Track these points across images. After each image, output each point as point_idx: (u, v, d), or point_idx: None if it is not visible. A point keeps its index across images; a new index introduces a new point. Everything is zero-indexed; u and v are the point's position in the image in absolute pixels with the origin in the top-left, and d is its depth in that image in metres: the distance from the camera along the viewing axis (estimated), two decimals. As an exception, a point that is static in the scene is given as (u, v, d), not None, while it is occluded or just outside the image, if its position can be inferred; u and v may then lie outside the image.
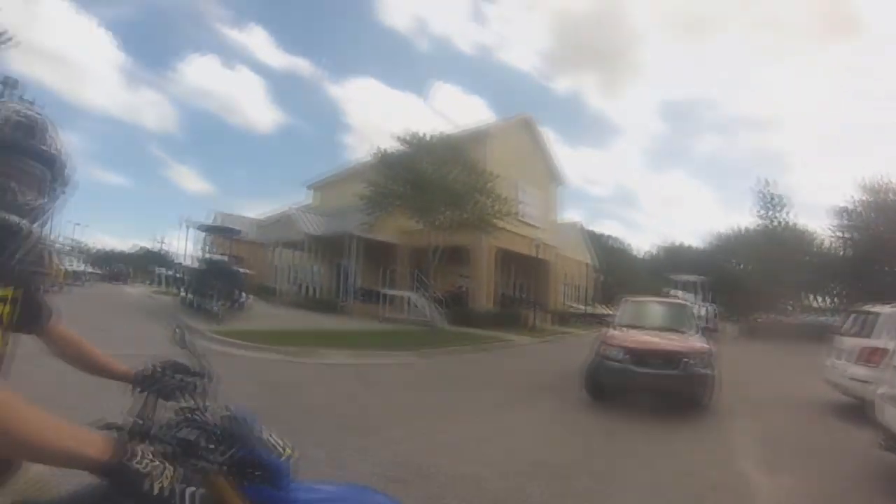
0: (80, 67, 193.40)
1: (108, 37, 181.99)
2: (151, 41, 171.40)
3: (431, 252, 18.32)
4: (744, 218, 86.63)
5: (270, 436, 1.42)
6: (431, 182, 17.53)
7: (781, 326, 29.46)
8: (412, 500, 3.63)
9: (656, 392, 7.98)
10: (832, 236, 31.08)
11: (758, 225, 35.23)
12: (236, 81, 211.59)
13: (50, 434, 0.91)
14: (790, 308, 35.67)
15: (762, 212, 33.59)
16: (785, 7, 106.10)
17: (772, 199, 33.51)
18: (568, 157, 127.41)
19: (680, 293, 25.84)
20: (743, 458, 5.40)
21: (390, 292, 24.17)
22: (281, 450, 1.41)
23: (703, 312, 24.53)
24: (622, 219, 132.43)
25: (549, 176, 32.94)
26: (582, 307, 35.09)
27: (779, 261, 29.88)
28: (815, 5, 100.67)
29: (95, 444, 0.93)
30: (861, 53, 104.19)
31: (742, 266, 39.34)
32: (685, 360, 7.54)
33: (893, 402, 5.05)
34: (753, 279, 33.02)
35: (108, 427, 1.29)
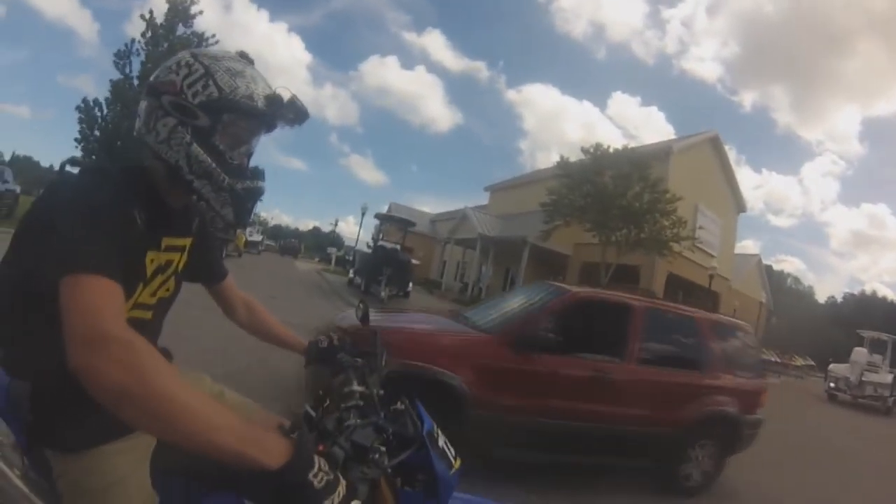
0: (272, 65, 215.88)
1: (297, 40, 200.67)
2: (336, 43, 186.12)
3: (603, 268, 17.69)
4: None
5: (445, 443, 1.33)
6: (611, 197, 17.03)
7: None
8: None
9: None
10: None
11: None
12: (414, 81, 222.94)
13: (219, 432, 0.80)
14: None
15: None
16: None
17: None
18: (750, 180, 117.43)
19: (864, 351, 22.64)
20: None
21: None
22: (452, 460, 1.31)
23: (889, 379, 21.58)
24: (806, 256, 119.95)
25: (732, 201, 30.75)
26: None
27: None
28: None
29: (269, 449, 0.81)
30: None
31: None
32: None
33: None
34: None
35: (281, 424, 1.11)
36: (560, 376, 4.26)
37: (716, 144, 29.34)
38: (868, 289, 68.33)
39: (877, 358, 22.85)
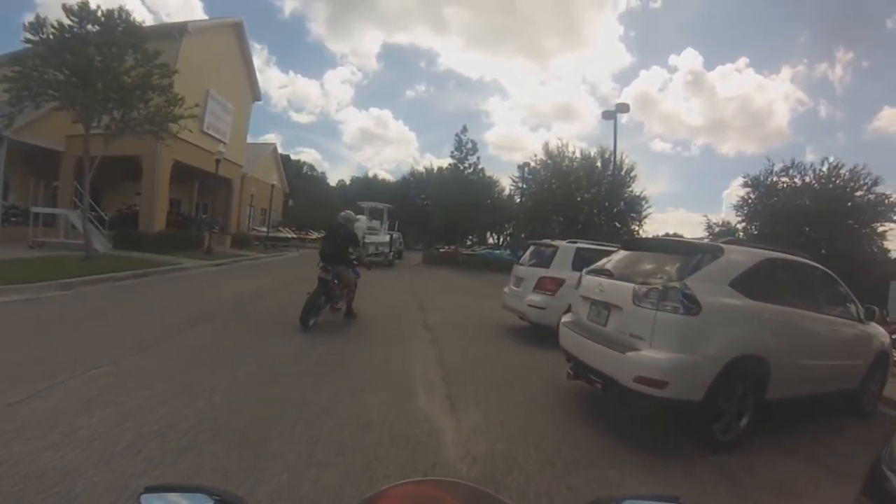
0: None
1: None
2: None
3: (87, 161, 14.89)
4: (439, 161, 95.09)
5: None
6: (96, 70, 14.10)
7: (460, 256, 32.61)
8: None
9: None
10: (513, 185, 36.05)
11: (450, 164, 39.04)
12: None
13: None
14: (469, 241, 40.28)
15: (456, 153, 37.54)
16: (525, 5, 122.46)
17: (467, 143, 37.73)
18: (277, 80, 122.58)
19: (363, 218, 25.77)
20: (428, 399, 5.00)
21: (42, 211, 19.14)
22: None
23: (386, 238, 25.68)
24: (321, 148, 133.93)
25: (249, 90, 30.61)
26: (265, 230, 34.14)
27: (464, 200, 33.73)
28: (549, 15, 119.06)
29: None
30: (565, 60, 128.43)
31: (430, 202, 42.93)
32: None
33: (576, 328, 5.24)
34: (440, 213, 36.47)
35: None
36: None
37: (238, 32, 28.35)
38: (371, 174, 79.96)
39: (375, 223, 26.70)
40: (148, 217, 20.85)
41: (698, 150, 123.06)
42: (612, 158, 27.95)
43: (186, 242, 20.86)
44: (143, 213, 21.22)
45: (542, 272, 8.89)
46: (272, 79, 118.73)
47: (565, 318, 5.72)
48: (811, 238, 22.06)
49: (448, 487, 0.93)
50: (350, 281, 8.81)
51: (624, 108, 24.78)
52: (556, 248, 9.26)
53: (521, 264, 10.01)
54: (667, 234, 33.27)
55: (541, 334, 8.57)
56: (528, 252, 10.35)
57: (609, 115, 24.52)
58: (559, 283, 8.42)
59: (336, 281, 8.45)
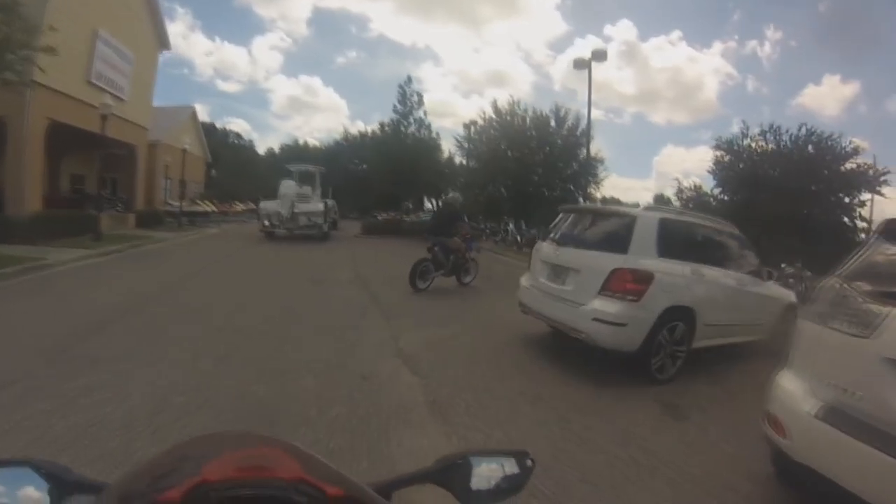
0: None
1: None
2: None
3: None
4: (371, 127, 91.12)
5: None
6: None
7: (404, 224, 29.45)
8: None
9: None
10: (457, 145, 31.99)
11: (392, 120, 34.64)
12: None
13: None
14: (410, 207, 36.81)
15: (399, 107, 33.45)
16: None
17: (412, 95, 33.72)
18: (203, 46, 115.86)
19: (292, 183, 22.57)
20: None
21: None
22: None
23: (320, 207, 21.92)
24: (250, 117, 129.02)
25: (153, 37, 25.21)
26: (179, 204, 28.93)
27: (407, 161, 30.19)
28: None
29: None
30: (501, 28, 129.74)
31: (366, 167, 39.87)
32: None
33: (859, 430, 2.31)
34: (377, 179, 33.26)
35: None
36: None
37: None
38: (301, 141, 74.98)
39: (307, 189, 23.06)
40: (16, 196, 15.80)
41: (630, 117, 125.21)
42: (587, 113, 24.20)
43: (76, 226, 16.12)
44: (10, 191, 16.02)
45: (614, 261, 5.23)
46: (197, 45, 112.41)
47: (808, 405, 2.63)
48: (784, 209, 20.46)
49: (277, 446, 0.79)
50: (459, 248, 10.48)
51: (601, 55, 21.65)
52: (633, 218, 5.54)
53: (560, 243, 6.14)
54: (603, 199, 30.91)
55: (587, 356, 5.52)
56: (564, 223, 6.51)
57: (582, 65, 21.45)
58: (647, 279, 5.03)
59: (437, 248, 10.23)
